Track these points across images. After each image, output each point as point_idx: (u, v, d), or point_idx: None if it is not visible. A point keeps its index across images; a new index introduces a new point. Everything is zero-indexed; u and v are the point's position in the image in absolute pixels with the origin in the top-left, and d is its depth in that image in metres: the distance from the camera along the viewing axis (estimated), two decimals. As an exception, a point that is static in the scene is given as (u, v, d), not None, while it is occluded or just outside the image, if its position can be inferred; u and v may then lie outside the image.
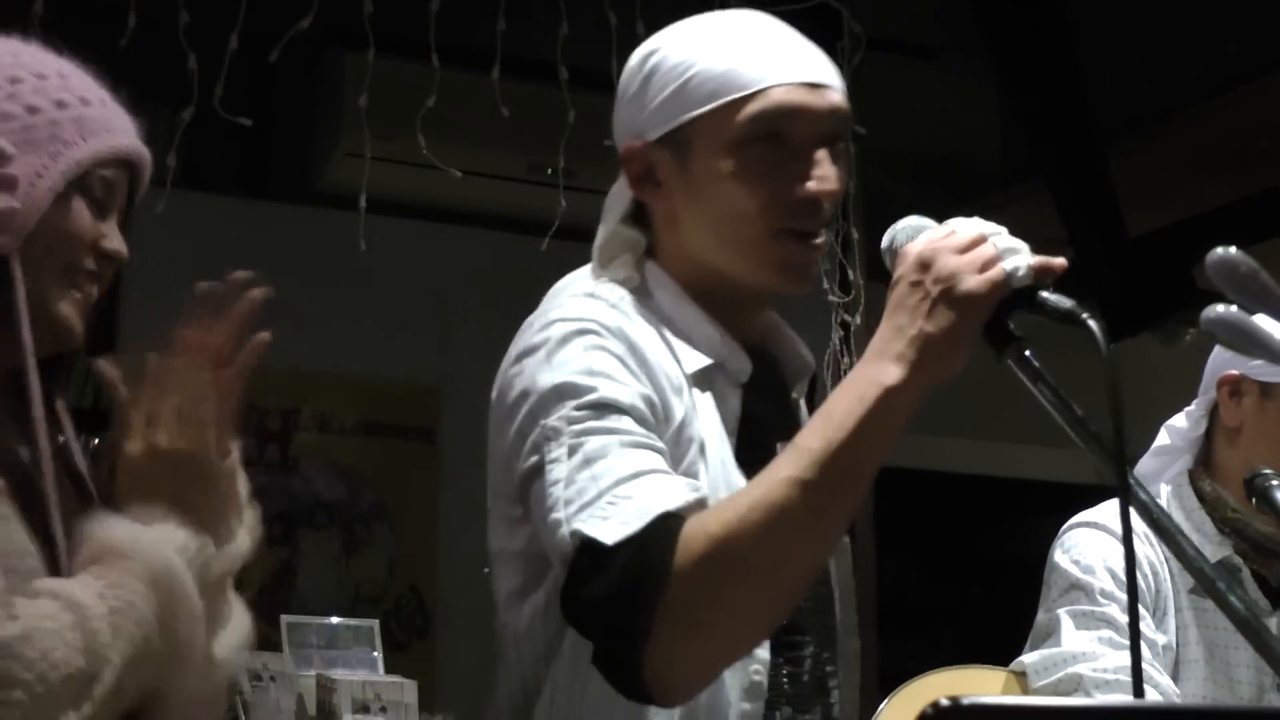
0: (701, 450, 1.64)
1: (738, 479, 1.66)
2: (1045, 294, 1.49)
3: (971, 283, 1.48)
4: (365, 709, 3.04)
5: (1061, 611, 2.34)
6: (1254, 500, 2.11)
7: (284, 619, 3.28)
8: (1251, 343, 1.38)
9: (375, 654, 3.29)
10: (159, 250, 1.69)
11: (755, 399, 1.75)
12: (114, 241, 1.63)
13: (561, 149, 3.78)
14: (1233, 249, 1.31)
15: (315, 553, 5.04)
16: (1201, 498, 2.43)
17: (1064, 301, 1.47)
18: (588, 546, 1.48)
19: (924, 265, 1.51)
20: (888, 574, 5.77)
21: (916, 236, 1.57)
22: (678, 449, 1.62)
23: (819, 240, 1.71)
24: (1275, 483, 2.06)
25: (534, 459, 1.59)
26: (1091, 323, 1.41)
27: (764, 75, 1.69)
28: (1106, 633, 2.29)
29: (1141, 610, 2.33)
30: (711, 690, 1.60)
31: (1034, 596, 2.45)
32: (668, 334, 1.71)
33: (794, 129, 1.69)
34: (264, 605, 5.26)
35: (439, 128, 3.75)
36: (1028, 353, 1.50)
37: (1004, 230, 1.54)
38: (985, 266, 1.49)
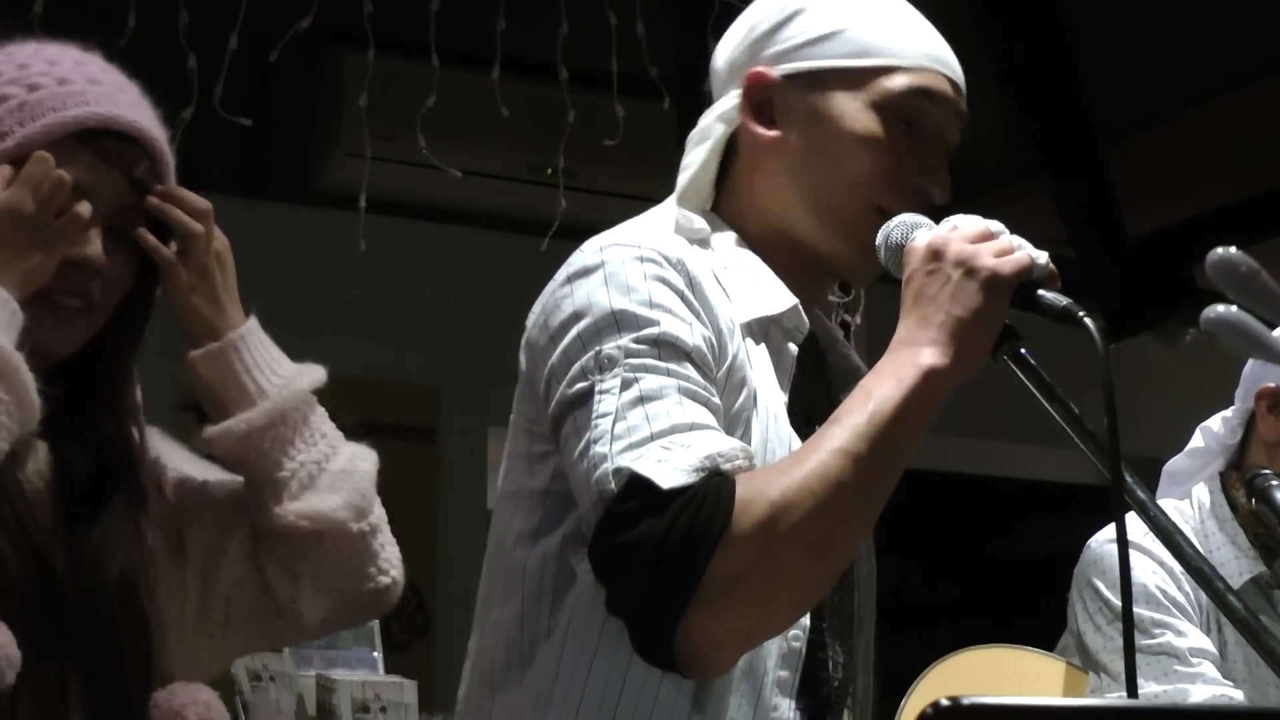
0: (754, 399, 1.56)
1: (789, 432, 1.58)
2: (1042, 291, 1.48)
3: (993, 262, 1.46)
4: (365, 709, 3.04)
5: (1118, 656, 2.24)
6: (1253, 501, 2.10)
7: (284, 619, 3.27)
8: (1252, 343, 1.38)
9: (375, 654, 3.28)
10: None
11: (807, 368, 1.67)
12: (83, 247, 1.52)
13: (561, 149, 3.78)
14: (1233, 249, 1.31)
15: (315, 553, 5.02)
16: (1234, 507, 2.37)
17: (1060, 299, 1.46)
18: (637, 487, 1.39)
19: (936, 254, 1.49)
20: (888, 574, 5.76)
21: (912, 232, 1.56)
22: (730, 393, 1.54)
23: None
24: (1275, 483, 2.05)
25: (581, 385, 1.48)
26: (1088, 320, 1.41)
27: (924, 55, 1.65)
28: (1173, 665, 2.22)
29: (1186, 626, 2.27)
30: (750, 654, 1.51)
31: (1033, 596, 2.43)
32: (724, 279, 1.61)
33: (932, 118, 1.65)
34: (264, 605, 5.26)
35: (439, 128, 3.75)
36: (1023, 350, 1.49)
37: (1005, 228, 1.53)
38: (1002, 253, 1.48)
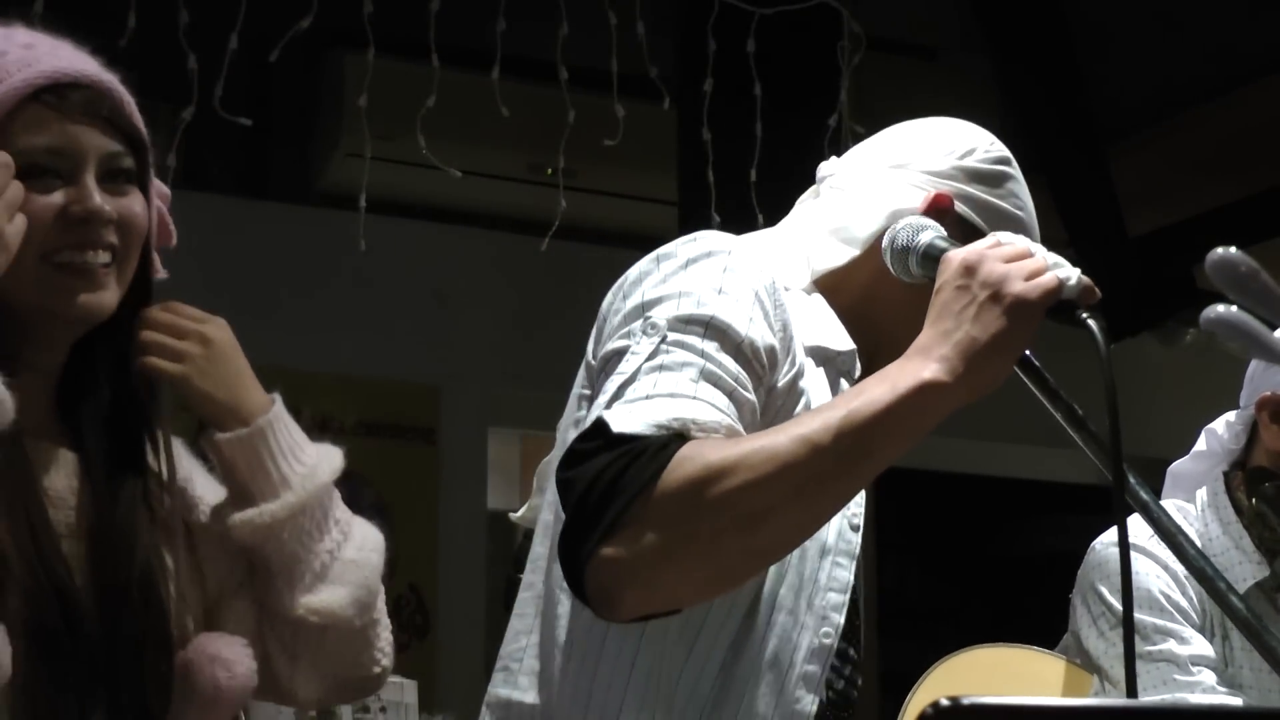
0: (808, 410, 1.58)
1: None
2: (1080, 312, 1.46)
3: (1020, 287, 1.45)
4: (365, 709, 3.04)
5: (1120, 662, 2.22)
6: (1253, 501, 2.09)
7: (284, 619, 3.27)
8: (1252, 343, 1.37)
9: (375, 654, 3.28)
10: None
11: None
12: (84, 201, 1.49)
13: (561, 149, 3.78)
14: (1233, 249, 1.30)
15: (315, 553, 5.01)
16: (1239, 509, 2.32)
17: (1083, 312, 1.45)
18: (599, 429, 1.43)
19: (969, 270, 1.48)
20: (888, 574, 5.77)
21: (918, 235, 1.57)
22: (790, 399, 1.57)
23: None
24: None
25: (622, 343, 1.54)
26: (1091, 322, 1.41)
27: None
28: (1172, 674, 2.20)
29: (1189, 633, 2.26)
30: (777, 645, 1.56)
31: (1033, 595, 2.43)
32: (795, 311, 1.65)
33: None
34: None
35: (439, 128, 3.75)
36: (1026, 350, 1.49)
37: (1043, 247, 1.52)
38: (1033, 274, 1.46)
